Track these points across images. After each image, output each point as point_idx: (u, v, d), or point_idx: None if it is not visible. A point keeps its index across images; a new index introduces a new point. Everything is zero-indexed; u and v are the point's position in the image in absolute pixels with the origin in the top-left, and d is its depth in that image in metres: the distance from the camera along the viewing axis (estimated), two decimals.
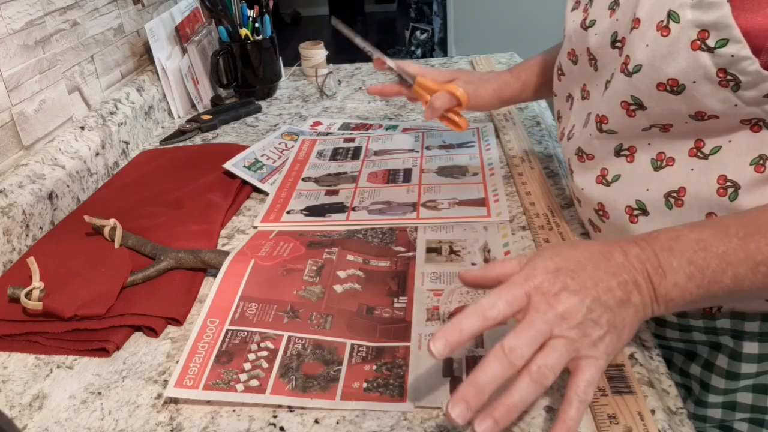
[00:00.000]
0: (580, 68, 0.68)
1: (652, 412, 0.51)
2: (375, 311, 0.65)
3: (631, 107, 0.57)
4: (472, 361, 0.57)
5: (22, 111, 0.88)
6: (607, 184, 0.63)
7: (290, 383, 0.56)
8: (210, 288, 0.72)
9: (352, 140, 1.06)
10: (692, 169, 0.56)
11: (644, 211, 0.60)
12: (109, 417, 0.56)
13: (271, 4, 1.30)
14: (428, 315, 0.64)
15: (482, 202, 0.83)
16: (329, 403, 0.54)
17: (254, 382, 0.56)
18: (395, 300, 0.66)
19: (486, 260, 0.71)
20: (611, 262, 0.50)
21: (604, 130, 0.61)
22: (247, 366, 0.58)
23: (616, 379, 0.53)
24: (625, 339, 0.50)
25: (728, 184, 0.54)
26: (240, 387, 0.56)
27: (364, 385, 0.56)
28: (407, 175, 0.93)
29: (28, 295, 0.66)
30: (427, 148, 1.00)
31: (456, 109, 0.88)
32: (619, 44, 0.59)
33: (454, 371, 0.56)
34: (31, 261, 0.70)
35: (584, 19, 0.64)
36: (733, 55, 0.49)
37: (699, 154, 0.56)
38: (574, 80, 0.70)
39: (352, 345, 0.60)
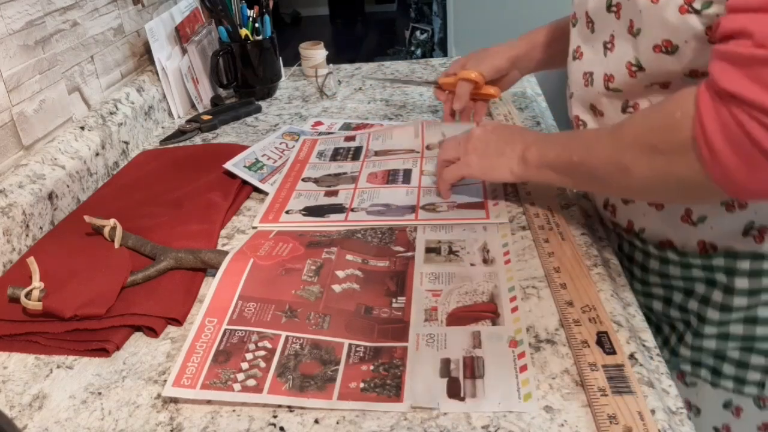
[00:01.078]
0: (577, 30, 0.74)
1: (652, 412, 0.51)
2: (373, 311, 0.65)
3: (633, 68, 0.64)
4: (470, 362, 0.57)
5: (22, 111, 0.88)
6: None
7: (287, 383, 0.56)
8: (209, 288, 0.73)
9: (353, 139, 1.06)
10: None
11: None
12: (109, 417, 0.56)
13: (271, 4, 1.30)
14: (426, 315, 0.64)
15: (481, 205, 0.83)
16: (326, 403, 0.54)
17: (251, 382, 0.56)
18: (394, 300, 0.66)
19: (485, 260, 0.71)
20: (502, 134, 0.77)
21: (611, 89, 0.68)
22: (245, 365, 0.58)
23: (616, 379, 0.53)
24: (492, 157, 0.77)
25: (634, 68, 0.63)
26: (237, 387, 0.56)
27: (361, 385, 0.56)
28: (407, 175, 0.92)
29: (28, 295, 0.66)
30: (428, 147, 1.00)
31: (479, 89, 1.00)
32: (614, 9, 0.65)
33: (451, 372, 0.56)
34: (31, 261, 0.70)
35: None
36: (718, 15, 0.53)
37: None
38: (571, 42, 0.76)
39: (350, 345, 0.60)
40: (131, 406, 0.57)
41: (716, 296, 0.69)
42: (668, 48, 0.59)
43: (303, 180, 0.94)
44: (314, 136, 1.09)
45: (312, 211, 0.85)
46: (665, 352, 0.76)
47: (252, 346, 0.60)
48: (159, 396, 0.58)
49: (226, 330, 0.62)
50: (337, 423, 0.53)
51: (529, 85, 1.27)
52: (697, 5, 0.55)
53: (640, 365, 0.56)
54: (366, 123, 1.14)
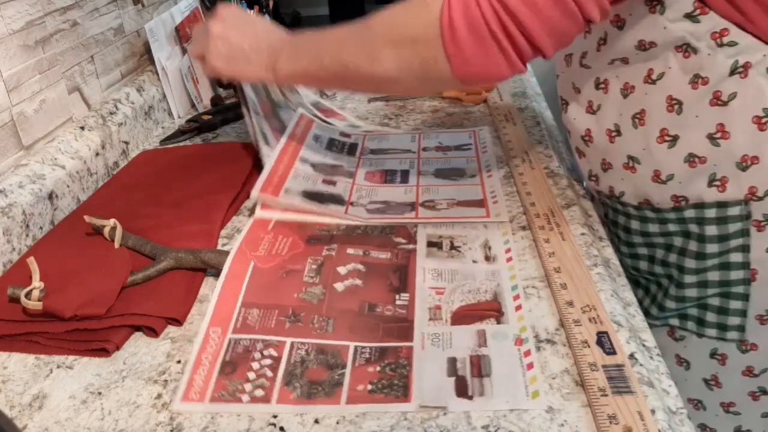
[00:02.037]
0: None
1: (652, 412, 0.51)
2: (377, 308, 0.65)
3: (600, 42, 0.71)
4: (476, 361, 0.57)
5: (22, 111, 0.88)
6: (593, 112, 0.77)
7: (295, 391, 0.56)
8: (209, 288, 0.73)
9: (348, 136, 1.05)
10: (646, 94, 0.70)
11: (619, 132, 0.75)
12: (109, 417, 0.56)
13: (271, 4, 1.30)
14: (430, 315, 0.64)
15: (481, 203, 0.83)
16: (335, 408, 0.54)
17: (259, 392, 0.56)
18: (397, 297, 0.66)
19: (487, 257, 0.72)
20: (255, 54, 0.77)
21: (583, 65, 0.75)
22: (252, 375, 0.57)
23: (616, 379, 0.53)
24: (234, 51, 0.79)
25: (674, 101, 0.69)
26: (245, 398, 0.55)
27: (369, 387, 0.56)
28: (404, 175, 0.92)
29: (28, 295, 0.66)
30: (424, 149, 1.00)
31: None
32: None
33: (458, 371, 0.57)
34: (31, 261, 0.70)
35: None
36: None
37: (649, 80, 0.69)
38: None
39: (356, 347, 0.60)
40: (131, 406, 0.57)
41: (692, 246, 0.74)
42: (618, 23, 0.68)
43: (300, 160, 0.92)
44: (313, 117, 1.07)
45: (312, 197, 0.84)
46: (654, 309, 0.80)
47: (257, 355, 0.60)
48: (159, 396, 0.58)
49: (230, 339, 0.62)
50: (337, 423, 0.53)
51: (529, 85, 1.27)
52: None
53: (640, 365, 0.56)
54: (331, 110, 1.14)
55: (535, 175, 0.87)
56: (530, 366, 0.57)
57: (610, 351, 0.56)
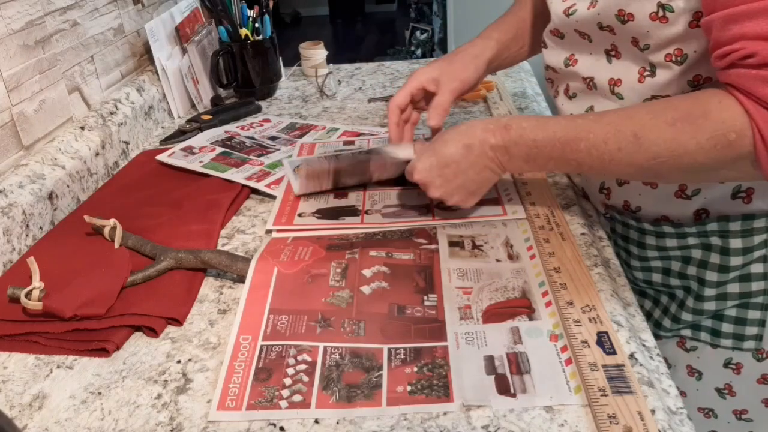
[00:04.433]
0: (567, 42, 0.76)
1: (652, 412, 0.51)
2: (406, 311, 0.65)
3: (645, 73, 0.68)
4: (513, 358, 0.58)
5: (22, 111, 0.88)
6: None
7: (334, 395, 0.55)
8: (209, 288, 0.73)
9: (352, 143, 1.05)
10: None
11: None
12: (109, 417, 0.56)
13: (271, 4, 1.30)
14: (461, 314, 0.64)
15: (496, 201, 0.82)
16: (376, 411, 0.54)
17: (297, 397, 0.56)
18: (425, 298, 0.66)
19: (510, 256, 0.72)
20: (471, 154, 0.71)
21: (615, 92, 0.71)
22: (288, 381, 0.57)
23: (616, 379, 0.53)
24: (481, 190, 0.76)
25: (646, 73, 0.68)
26: (284, 404, 0.55)
27: (408, 388, 0.56)
28: None
29: (28, 295, 0.66)
30: None
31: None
32: (607, 29, 0.68)
33: (496, 368, 0.57)
34: (31, 261, 0.70)
35: (567, 8, 0.72)
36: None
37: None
38: (559, 52, 0.78)
39: (389, 349, 0.60)
40: (131, 406, 0.57)
41: (714, 258, 0.73)
42: (678, 57, 0.64)
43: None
44: (310, 141, 1.08)
45: (325, 214, 0.84)
46: (667, 320, 0.79)
47: (292, 361, 0.59)
48: (159, 396, 0.58)
49: (262, 346, 0.61)
50: (337, 423, 0.53)
51: (530, 85, 1.27)
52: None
53: (640, 365, 0.56)
54: (310, 124, 1.15)
55: (535, 175, 0.87)
56: (569, 361, 0.57)
57: (610, 351, 0.56)
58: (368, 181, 0.89)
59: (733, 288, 0.73)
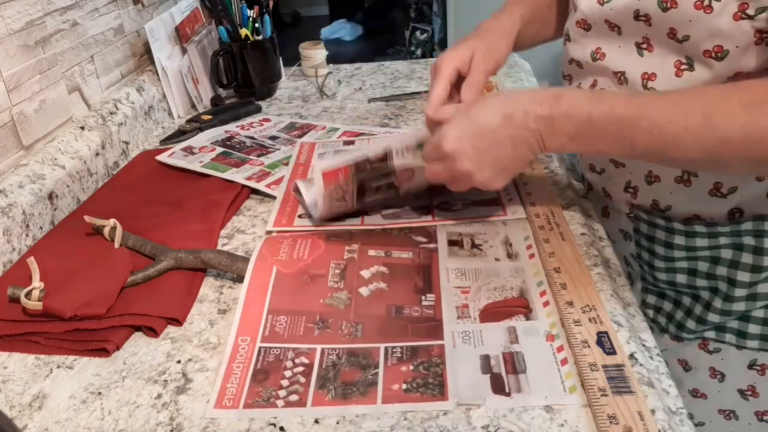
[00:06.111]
0: (595, 33, 0.73)
1: (652, 412, 0.51)
2: (404, 311, 0.65)
3: (683, 66, 0.65)
4: (509, 357, 0.58)
5: (22, 111, 0.88)
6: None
7: (330, 393, 0.56)
8: (209, 288, 0.73)
9: (352, 143, 1.05)
10: None
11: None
12: (109, 417, 0.56)
13: (271, 4, 1.30)
14: (458, 313, 0.64)
15: (496, 201, 0.82)
16: (371, 408, 0.54)
17: (294, 397, 0.56)
18: (423, 298, 0.66)
19: (509, 255, 0.72)
20: (511, 125, 0.65)
21: (648, 87, 0.68)
22: (285, 383, 0.57)
23: (616, 379, 0.53)
24: (514, 168, 0.70)
25: (683, 66, 0.65)
26: (280, 403, 0.55)
27: (404, 386, 0.56)
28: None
29: (28, 295, 0.66)
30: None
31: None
32: (642, 18, 0.66)
33: (492, 368, 0.57)
34: (31, 261, 0.70)
35: None
36: None
37: None
38: (584, 45, 0.75)
39: (386, 348, 0.60)
40: (131, 406, 0.57)
41: (746, 258, 0.71)
42: (719, 53, 0.62)
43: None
44: (310, 140, 1.08)
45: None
46: (691, 322, 0.77)
47: (289, 363, 0.59)
48: (159, 396, 0.58)
49: (260, 348, 0.61)
50: (337, 423, 0.53)
51: (530, 85, 1.27)
52: (750, 11, 0.59)
53: (640, 365, 0.56)
54: (310, 125, 1.14)
55: (535, 176, 0.87)
56: (564, 361, 0.57)
57: (610, 351, 0.56)
58: (396, 197, 0.81)
59: (764, 288, 0.72)
